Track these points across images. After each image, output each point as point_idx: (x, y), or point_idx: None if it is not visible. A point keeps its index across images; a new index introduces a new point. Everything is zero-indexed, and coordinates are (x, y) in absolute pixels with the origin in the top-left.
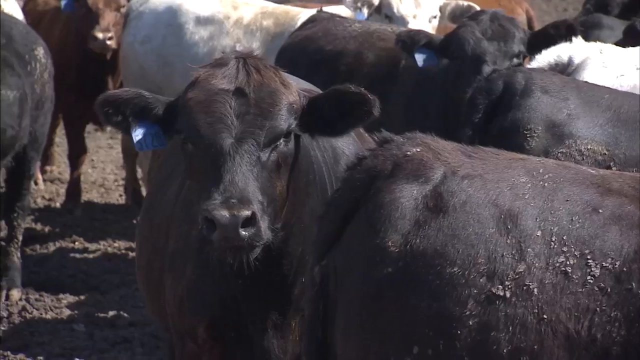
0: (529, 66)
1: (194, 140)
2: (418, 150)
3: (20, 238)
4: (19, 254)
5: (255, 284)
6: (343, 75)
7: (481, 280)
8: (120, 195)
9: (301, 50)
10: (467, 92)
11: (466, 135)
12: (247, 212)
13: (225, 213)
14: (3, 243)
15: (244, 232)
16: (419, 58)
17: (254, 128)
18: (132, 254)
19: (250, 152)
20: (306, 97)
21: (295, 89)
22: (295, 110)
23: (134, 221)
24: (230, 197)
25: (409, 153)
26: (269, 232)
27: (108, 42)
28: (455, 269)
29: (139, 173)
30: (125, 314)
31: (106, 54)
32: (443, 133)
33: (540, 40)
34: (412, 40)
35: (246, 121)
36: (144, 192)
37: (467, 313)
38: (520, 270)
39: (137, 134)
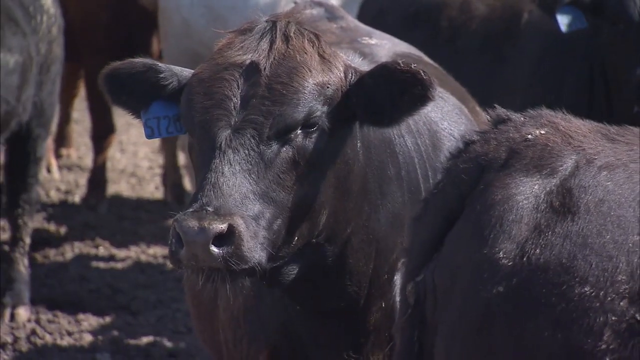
0: None
1: (190, 130)
2: (542, 132)
3: (28, 241)
4: (26, 262)
5: (314, 311)
6: (445, 32)
7: (622, 303)
8: (156, 188)
9: (391, 0)
10: (633, 75)
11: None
12: (220, 226)
13: (193, 224)
14: (6, 247)
15: (217, 251)
16: (563, 21)
17: (257, 115)
18: None
19: (248, 147)
20: (359, 74)
21: (340, 66)
22: (328, 94)
23: None
24: (207, 205)
25: (529, 136)
26: (261, 252)
27: None
28: (586, 289)
29: (181, 159)
30: (164, 341)
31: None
32: (585, 112)
33: None
34: None
35: (250, 106)
36: (187, 184)
37: (603, 347)
38: None
39: (148, 118)
